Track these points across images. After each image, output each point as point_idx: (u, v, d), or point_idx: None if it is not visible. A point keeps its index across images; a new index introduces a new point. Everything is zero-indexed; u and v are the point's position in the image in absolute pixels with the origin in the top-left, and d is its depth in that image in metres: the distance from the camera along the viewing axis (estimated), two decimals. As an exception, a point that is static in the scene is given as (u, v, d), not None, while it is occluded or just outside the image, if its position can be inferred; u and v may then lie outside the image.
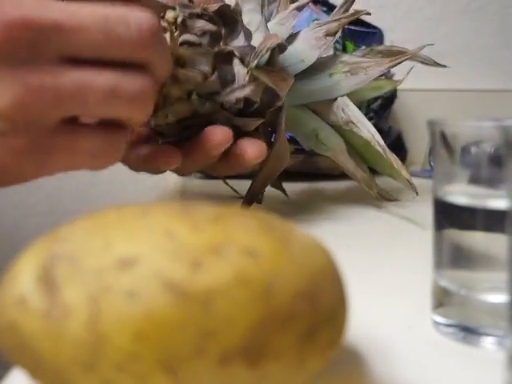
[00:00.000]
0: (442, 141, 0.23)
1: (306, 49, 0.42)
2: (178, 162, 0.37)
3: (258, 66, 0.37)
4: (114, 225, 0.17)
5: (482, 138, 0.22)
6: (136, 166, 0.40)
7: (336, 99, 0.44)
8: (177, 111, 0.37)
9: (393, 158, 0.44)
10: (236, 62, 0.38)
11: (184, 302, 0.15)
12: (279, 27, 0.42)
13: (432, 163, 0.25)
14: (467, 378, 0.21)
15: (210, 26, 0.38)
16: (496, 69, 0.74)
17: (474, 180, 0.22)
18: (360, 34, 0.63)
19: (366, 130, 0.44)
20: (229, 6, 0.39)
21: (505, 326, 0.19)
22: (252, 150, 0.37)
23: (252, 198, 0.43)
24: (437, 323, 0.24)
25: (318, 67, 0.43)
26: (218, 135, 0.36)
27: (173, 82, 0.36)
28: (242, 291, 0.15)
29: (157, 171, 0.40)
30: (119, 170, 0.39)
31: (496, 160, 0.22)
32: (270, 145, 0.40)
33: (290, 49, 0.42)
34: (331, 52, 0.47)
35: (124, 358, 0.15)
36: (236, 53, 0.38)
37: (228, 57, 0.38)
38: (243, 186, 0.56)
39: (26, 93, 0.26)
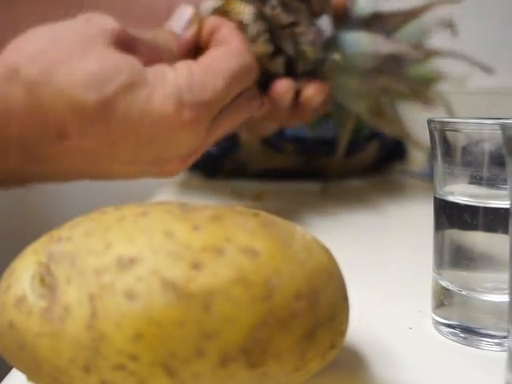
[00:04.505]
0: (442, 141, 0.23)
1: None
2: (260, 107, 0.42)
3: None
4: (113, 225, 0.17)
5: (482, 138, 0.22)
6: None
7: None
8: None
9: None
10: None
11: (184, 302, 0.15)
12: None
13: (432, 163, 0.25)
14: (467, 378, 0.21)
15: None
16: (497, 69, 0.74)
17: (475, 180, 0.22)
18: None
19: None
20: None
21: (505, 326, 0.19)
22: (312, 90, 0.42)
23: None
24: (437, 323, 0.24)
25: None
26: (283, 86, 0.41)
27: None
28: (242, 291, 0.15)
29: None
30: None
31: (496, 159, 0.21)
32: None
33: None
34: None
35: (123, 358, 0.15)
36: None
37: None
38: (243, 185, 0.56)
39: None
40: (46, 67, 0.31)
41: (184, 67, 0.34)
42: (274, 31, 0.40)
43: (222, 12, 0.40)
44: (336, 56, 0.41)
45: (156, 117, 0.32)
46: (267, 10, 0.39)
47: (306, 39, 0.40)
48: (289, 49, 0.40)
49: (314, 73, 0.42)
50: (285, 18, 0.40)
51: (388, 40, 0.42)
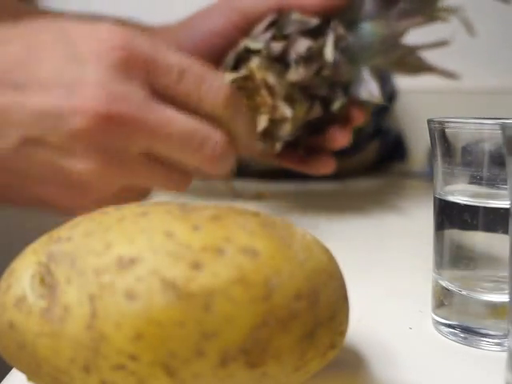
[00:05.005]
0: (442, 141, 0.23)
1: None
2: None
3: None
4: (113, 225, 0.17)
5: (482, 138, 0.22)
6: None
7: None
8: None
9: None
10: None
11: (184, 302, 0.15)
12: None
13: (432, 163, 0.25)
14: (467, 378, 0.21)
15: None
16: (497, 69, 0.74)
17: (475, 180, 0.22)
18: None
19: None
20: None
21: (505, 326, 0.19)
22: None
23: None
24: (437, 323, 0.24)
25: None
26: (342, 136, 0.42)
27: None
28: (242, 291, 0.15)
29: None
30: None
31: (496, 159, 0.21)
32: None
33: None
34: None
35: (123, 358, 0.15)
36: None
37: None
38: (243, 185, 0.56)
39: (108, 119, 0.28)
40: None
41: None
42: (303, 85, 0.39)
43: (247, 79, 0.39)
44: (375, 99, 0.41)
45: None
46: (292, 73, 0.38)
47: (336, 75, 0.40)
48: (323, 92, 0.40)
49: (348, 94, 0.42)
50: (310, 71, 0.39)
51: (399, 19, 0.42)
